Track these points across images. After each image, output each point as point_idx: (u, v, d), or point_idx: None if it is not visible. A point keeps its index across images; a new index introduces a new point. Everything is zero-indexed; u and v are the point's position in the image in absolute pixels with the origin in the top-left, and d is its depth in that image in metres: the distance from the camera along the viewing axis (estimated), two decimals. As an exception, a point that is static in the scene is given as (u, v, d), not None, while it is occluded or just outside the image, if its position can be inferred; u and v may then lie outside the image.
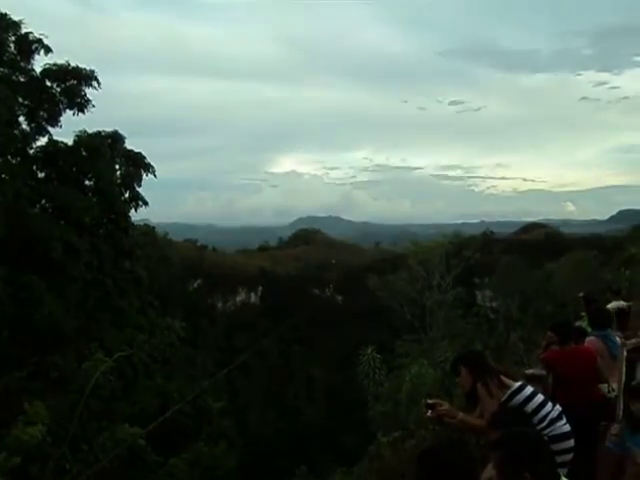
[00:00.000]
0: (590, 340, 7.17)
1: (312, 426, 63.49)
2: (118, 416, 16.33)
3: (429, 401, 5.42)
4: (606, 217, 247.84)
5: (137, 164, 25.28)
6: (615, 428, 5.52)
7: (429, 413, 5.28)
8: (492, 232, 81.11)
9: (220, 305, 75.77)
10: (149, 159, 25.76)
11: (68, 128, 24.02)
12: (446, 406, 5.25)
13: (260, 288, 77.50)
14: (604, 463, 5.58)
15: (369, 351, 34.14)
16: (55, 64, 22.93)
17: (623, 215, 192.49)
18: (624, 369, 5.72)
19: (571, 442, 4.87)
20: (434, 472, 3.00)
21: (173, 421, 18.03)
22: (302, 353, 72.07)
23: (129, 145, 25.61)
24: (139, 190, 25.46)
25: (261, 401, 65.60)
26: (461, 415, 5.14)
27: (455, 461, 3.00)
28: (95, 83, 23.60)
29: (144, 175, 25.45)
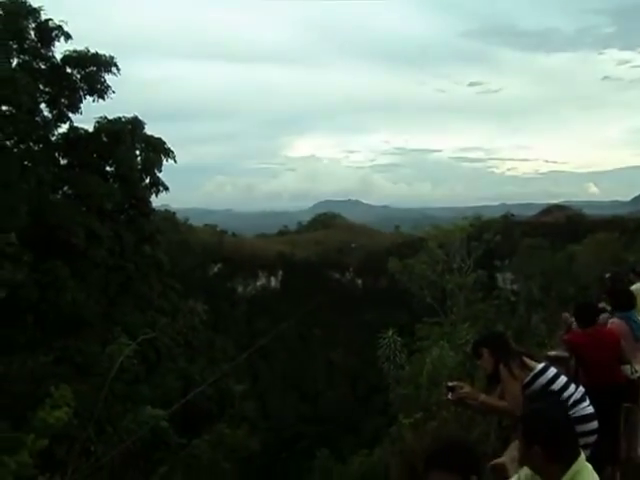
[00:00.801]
0: (613, 322, 7.12)
1: (332, 410, 63.81)
2: (142, 399, 16.54)
3: (449, 384, 5.43)
4: (629, 198, 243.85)
5: (157, 149, 25.37)
6: None
7: (449, 396, 5.30)
8: (513, 215, 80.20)
9: (240, 289, 76.12)
10: (168, 144, 25.86)
11: (88, 115, 24.21)
12: (467, 388, 5.27)
13: (280, 272, 77.68)
14: None
15: (390, 334, 34.10)
16: (75, 51, 23.04)
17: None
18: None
19: (594, 424, 4.86)
20: (442, 472, 3.05)
21: (196, 404, 18.24)
22: (322, 337, 72.29)
23: (149, 131, 25.72)
24: (159, 175, 25.59)
25: (281, 385, 66.01)
26: (483, 397, 5.15)
27: (463, 462, 3.07)
28: (114, 69, 23.71)
29: (164, 160, 25.55)
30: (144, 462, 11.90)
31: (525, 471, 3.48)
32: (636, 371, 6.20)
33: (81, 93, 23.22)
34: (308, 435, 57.83)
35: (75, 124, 23.69)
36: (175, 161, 26.00)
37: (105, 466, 8.71)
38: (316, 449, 43.07)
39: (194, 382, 20.86)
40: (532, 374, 5.03)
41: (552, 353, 7.31)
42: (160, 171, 25.44)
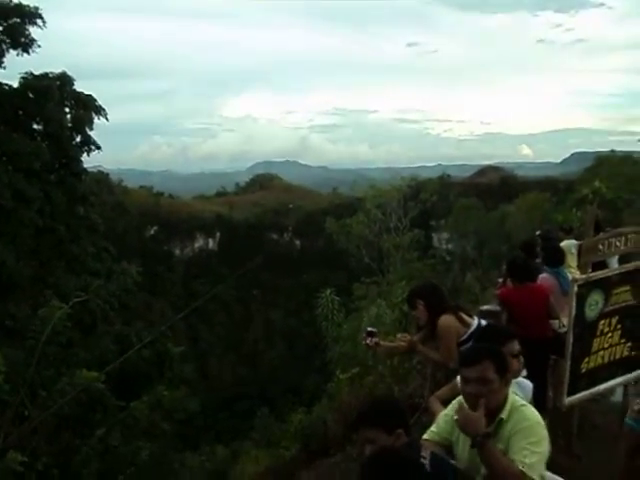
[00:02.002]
0: (543, 277, 7.32)
1: (272, 369, 64.39)
2: (77, 362, 16.24)
3: (369, 328, 5.50)
4: (560, 160, 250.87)
5: (88, 107, 24.41)
6: (638, 404, 5.50)
7: (368, 341, 5.37)
8: (448, 175, 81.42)
9: (177, 252, 75.31)
10: (100, 102, 24.93)
11: (12, 70, 23.06)
12: (408, 337, 5.46)
13: (218, 234, 77.13)
14: (622, 441, 5.61)
15: (327, 293, 34.38)
16: (-4, 1, 21.83)
17: (576, 158, 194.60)
18: (574, 304, 5.87)
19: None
20: (369, 429, 3.22)
21: (134, 366, 18.03)
22: (261, 298, 72.44)
23: (78, 88, 24.67)
24: (91, 134, 24.71)
25: (221, 346, 66.12)
26: (420, 347, 5.35)
27: (387, 418, 3.23)
28: (40, 21, 22.58)
29: (95, 119, 24.65)
30: (81, 425, 11.72)
31: (451, 409, 3.70)
32: (563, 325, 6.42)
33: (3, 46, 22.05)
34: (248, 395, 58.28)
35: (-2, 80, 22.56)
36: (107, 119, 25.14)
37: (39, 430, 8.54)
38: (256, 409, 43.50)
39: (131, 344, 20.58)
40: (469, 332, 5.16)
41: (484, 307, 7.51)
42: (91, 129, 24.51)
